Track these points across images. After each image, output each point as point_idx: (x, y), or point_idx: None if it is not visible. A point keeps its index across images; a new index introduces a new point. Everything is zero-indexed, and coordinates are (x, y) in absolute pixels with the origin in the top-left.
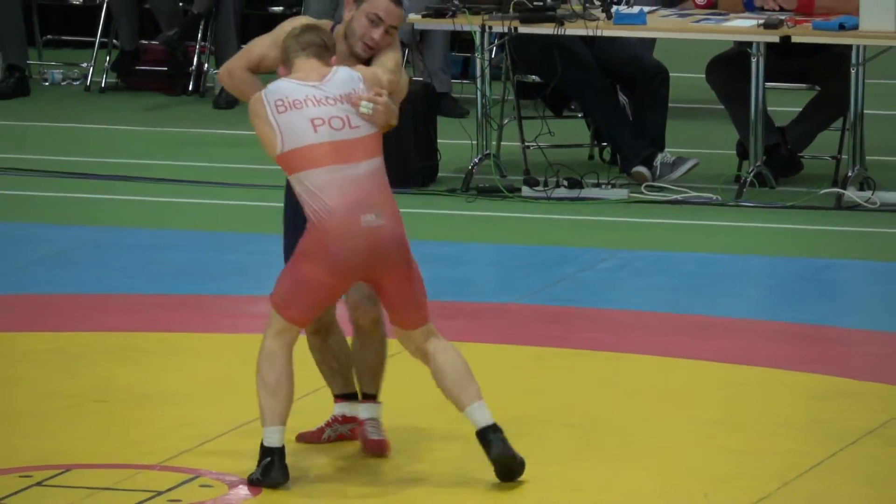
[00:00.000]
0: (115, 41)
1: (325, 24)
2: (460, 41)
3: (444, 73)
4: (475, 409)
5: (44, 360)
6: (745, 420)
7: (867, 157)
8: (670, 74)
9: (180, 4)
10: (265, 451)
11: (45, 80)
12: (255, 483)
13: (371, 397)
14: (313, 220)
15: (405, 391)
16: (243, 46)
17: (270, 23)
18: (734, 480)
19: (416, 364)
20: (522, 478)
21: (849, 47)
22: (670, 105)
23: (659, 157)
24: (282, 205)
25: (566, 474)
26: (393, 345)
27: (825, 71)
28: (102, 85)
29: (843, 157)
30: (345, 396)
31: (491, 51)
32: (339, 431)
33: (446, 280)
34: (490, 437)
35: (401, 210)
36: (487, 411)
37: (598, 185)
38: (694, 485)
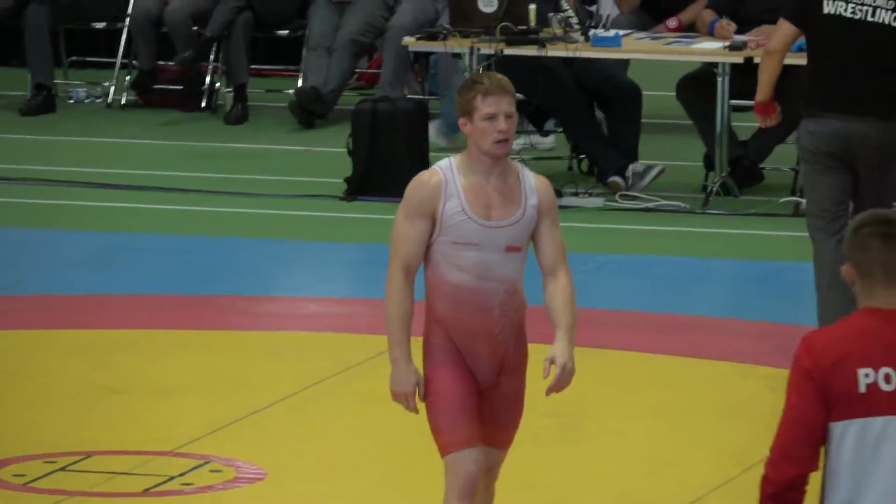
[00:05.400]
0: (134, 62)
1: None
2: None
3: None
4: None
5: (74, 354)
6: (712, 409)
7: None
8: (643, 92)
9: (194, 28)
10: None
11: (70, 98)
12: None
13: None
14: None
15: None
16: None
17: (278, 45)
18: (700, 464)
19: None
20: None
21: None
22: (643, 120)
23: (631, 168)
24: (282, 212)
25: (547, 457)
26: None
27: (782, 89)
28: (123, 102)
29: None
30: None
31: (479, 71)
32: None
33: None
34: None
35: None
36: None
37: (576, 194)
38: (661, 467)
